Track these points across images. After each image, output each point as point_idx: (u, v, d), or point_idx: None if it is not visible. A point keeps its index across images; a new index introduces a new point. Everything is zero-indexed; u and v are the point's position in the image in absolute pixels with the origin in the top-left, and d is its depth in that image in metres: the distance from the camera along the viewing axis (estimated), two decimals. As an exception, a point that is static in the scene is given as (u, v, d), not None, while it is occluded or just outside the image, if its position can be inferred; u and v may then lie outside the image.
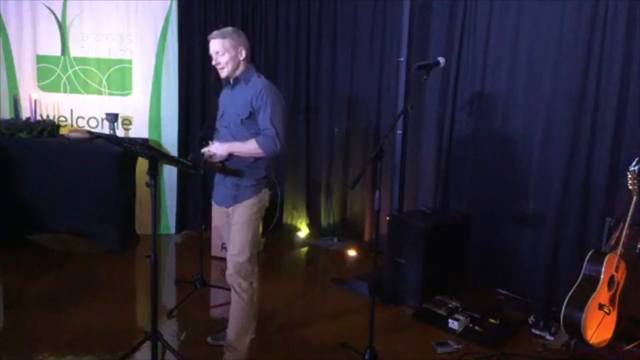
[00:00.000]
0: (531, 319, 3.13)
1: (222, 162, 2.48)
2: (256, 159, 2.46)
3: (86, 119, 4.63)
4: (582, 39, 3.20)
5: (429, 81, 2.83)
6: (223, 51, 2.43)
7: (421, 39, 4.07)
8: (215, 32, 2.47)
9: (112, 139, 3.84)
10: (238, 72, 2.49)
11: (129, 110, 4.65)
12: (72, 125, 4.60)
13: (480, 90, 3.75)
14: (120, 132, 4.61)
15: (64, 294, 3.40)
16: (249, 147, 2.42)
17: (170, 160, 3.30)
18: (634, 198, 2.76)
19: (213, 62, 2.48)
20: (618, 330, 2.88)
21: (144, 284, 3.72)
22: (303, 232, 5.00)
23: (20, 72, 4.50)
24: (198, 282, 3.50)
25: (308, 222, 5.02)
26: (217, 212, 2.68)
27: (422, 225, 3.44)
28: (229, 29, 2.50)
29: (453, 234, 3.69)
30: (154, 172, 2.30)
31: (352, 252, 4.54)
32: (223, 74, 2.48)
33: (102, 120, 4.57)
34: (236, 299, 2.54)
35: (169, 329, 2.97)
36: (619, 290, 2.89)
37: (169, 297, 3.51)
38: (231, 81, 2.53)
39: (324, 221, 4.97)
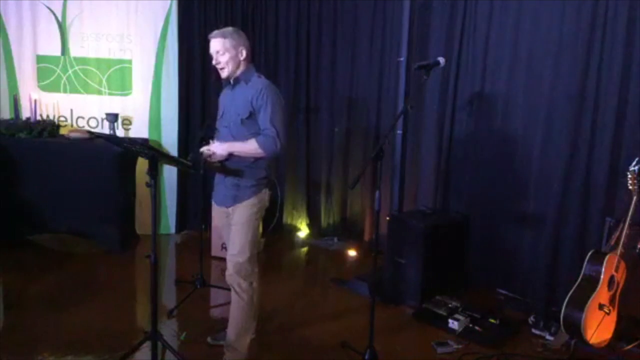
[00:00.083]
0: (531, 319, 3.13)
1: (221, 162, 2.48)
2: (256, 159, 2.46)
3: (86, 119, 4.63)
4: (582, 39, 3.20)
5: (429, 81, 2.83)
6: (223, 51, 2.43)
7: (421, 39, 4.07)
8: (215, 32, 2.47)
9: (112, 139, 3.84)
10: (238, 72, 2.49)
11: (129, 110, 4.65)
12: (72, 125, 4.60)
13: (480, 90, 3.75)
14: (120, 132, 4.61)
15: (64, 294, 3.40)
16: (249, 147, 2.42)
17: (170, 160, 3.30)
18: (634, 198, 2.76)
19: (213, 62, 2.48)
20: (618, 330, 2.88)
21: (144, 284, 3.72)
22: (303, 232, 5.00)
23: (20, 72, 4.50)
24: (198, 282, 3.50)
25: (308, 222, 5.03)
26: (217, 212, 2.68)
27: (422, 225, 3.44)
28: (230, 28, 2.50)
29: (453, 234, 3.69)
30: (154, 172, 2.30)
31: (352, 252, 4.54)
32: (223, 73, 2.48)
33: (102, 120, 4.58)
34: (236, 299, 2.53)
35: (169, 329, 2.97)
36: (619, 290, 2.89)
37: (169, 297, 3.51)
38: (231, 81, 2.52)
39: (324, 221, 4.97)
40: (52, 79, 4.56)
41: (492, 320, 3.12)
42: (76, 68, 4.57)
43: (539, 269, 3.45)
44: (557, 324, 2.88)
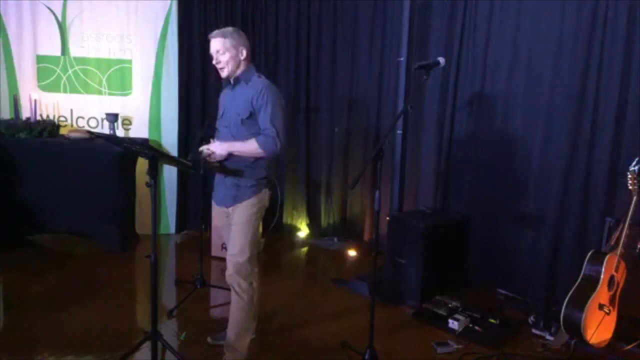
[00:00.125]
0: (531, 319, 3.13)
1: (220, 161, 2.48)
2: (256, 159, 2.46)
3: (86, 119, 4.64)
4: (582, 39, 3.20)
5: (429, 81, 2.83)
6: (224, 50, 2.43)
7: (421, 39, 4.07)
8: (216, 32, 2.47)
9: (112, 139, 3.83)
10: (239, 72, 2.49)
11: (129, 110, 4.65)
12: (72, 125, 4.60)
13: (480, 90, 3.75)
14: (120, 132, 4.61)
15: (64, 294, 3.40)
16: (249, 147, 2.42)
17: (170, 160, 3.30)
18: (634, 198, 2.76)
19: (213, 62, 2.48)
20: (618, 330, 2.88)
21: (144, 284, 3.72)
22: (303, 232, 5.00)
23: (20, 72, 4.50)
24: (198, 282, 3.50)
25: (308, 222, 5.03)
26: (217, 212, 2.68)
27: (422, 225, 3.43)
28: (230, 28, 2.50)
29: (453, 234, 3.69)
30: (154, 172, 2.30)
31: (352, 252, 4.54)
32: (223, 73, 2.48)
33: (102, 120, 4.58)
34: (236, 299, 2.53)
35: (169, 329, 2.97)
36: (619, 290, 2.89)
37: (169, 297, 3.51)
38: (231, 81, 2.52)
39: (324, 221, 4.97)
40: (52, 79, 4.56)
41: (492, 320, 3.12)
42: (76, 68, 4.57)
43: (539, 269, 3.45)
44: (557, 324, 2.88)
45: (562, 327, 2.82)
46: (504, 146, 3.65)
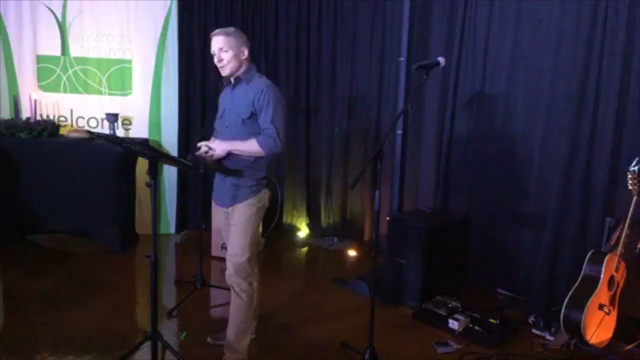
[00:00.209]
0: (531, 319, 3.13)
1: (217, 160, 2.47)
2: (256, 159, 2.45)
3: (86, 119, 4.64)
4: (582, 39, 3.20)
5: (429, 81, 2.83)
6: (227, 48, 2.42)
7: (421, 39, 4.07)
8: (218, 30, 2.47)
9: (112, 139, 3.84)
10: (240, 72, 2.49)
11: (129, 110, 4.66)
12: (72, 125, 4.60)
13: (480, 90, 3.75)
14: (120, 132, 4.62)
15: (64, 294, 3.40)
16: (250, 146, 2.41)
17: (170, 160, 3.29)
18: (634, 198, 2.76)
19: (215, 60, 2.46)
20: (618, 330, 2.88)
21: (144, 284, 3.72)
22: (303, 232, 5.00)
23: (20, 72, 4.51)
24: (198, 282, 3.50)
25: (308, 222, 5.03)
26: (217, 212, 2.68)
27: (422, 225, 3.43)
28: (231, 28, 2.50)
29: (453, 234, 3.69)
30: (154, 172, 2.30)
31: (352, 252, 4.54)
32: (225, 71, 2.48)
33: (102, 120, 4.58)
34: (236, 299, 2.53)
35: (169, 329, 2.97)
36: (619, 290, 2.90)
37: (169, 297, 3.50)
38: (232, 80, 2.52)
39: (324, 221, 4.98)
40: (52, 79, 4.56)
41: (492, 320, 3.12)
42: (76, 68, 4.57)
43: (539, 269, 3.45)
44: (557, 324, 2.88)
45: (562, 327, 2.82)
46: (504, 146, 3.65)
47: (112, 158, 4.13)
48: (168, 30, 4.58)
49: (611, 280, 2.83)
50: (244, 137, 2.44)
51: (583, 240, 3.24)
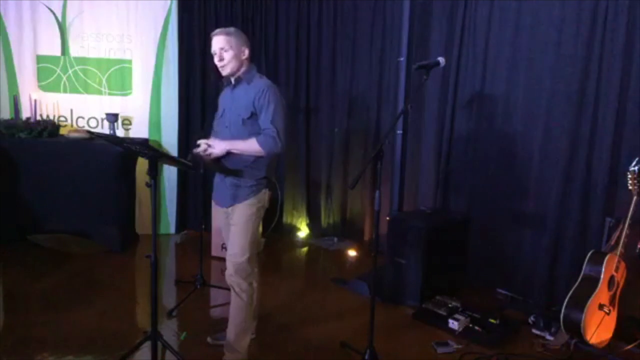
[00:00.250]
0: (531, 319, 3.13)
1: (216, 160, 2.47)
2: (256, 159, 2.45)
3: (86, 119, 4.64)
4: (582, 39, 3.20)
5: (429, 81, 2.83)
6: (228, 47, 2.42)
7: (421, 39, 4.07)
8: (219, 30, 2.47)
9: (112, 139, 3.84)
10: (240, 72, 2.49)
11: (129, 110, 4.66)
12: (72, 125, 4.60)
13: (480, 90, 3.75)
14: (120, 132, 4.62)
15: (64, 294, 3.40)
16: (249, 146, 2.41)
17: (170, 160, 3.29)
18: (634, 198, 2.76)
19: (216, 59, 2.46)
20: (618, 330, 2.88)
21: (144, 284, 3.72)
22: (303, 232, 5.00)
23: (20, 72, 4.51)
24: (198, 282, 3.50)
25: (308, 222, 5.03)
26: (217, 212, 2.68)
27: (422, 225, 3.43)
28: (232, 28, 2.50)
29: (453, 234, 3.69)
30: (154, 172, 2.30)
31: (352, 252, 4.54)
32: (225, 71, 2.47)
33: (102, 120, 4.58)
34: (236, 299, 2.53)
35: (169, 329, 2.97)
36: (619, 290, 2.90)
37: (169, 297, 3.50)
38: (232, 80, 2.52)
39: (324, 221, 4.98)
40: (52, 79, 4.56)
41: (492, 320, 3.12)
42: (76, 68, 4.57)
43: (539, 269, 3.46)
44: (557, 324, 2.88)
45: (562, 327, 2.82)
46: (504, 146, 3.65)
47: (112, 158, 4.14)
48: (168, 30, 4.58)
49: (611, 280, 2.83)
50: (244, 137, 2.44)
51: (583, 240, 3.25)
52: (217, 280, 3.58)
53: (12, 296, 3.37)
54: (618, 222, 2.91)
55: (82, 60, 4.56)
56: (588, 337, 2.73)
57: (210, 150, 2.45)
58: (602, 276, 2.76)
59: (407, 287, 3.46)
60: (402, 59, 4.03)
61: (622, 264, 2.87)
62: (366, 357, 2.56)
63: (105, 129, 4.52)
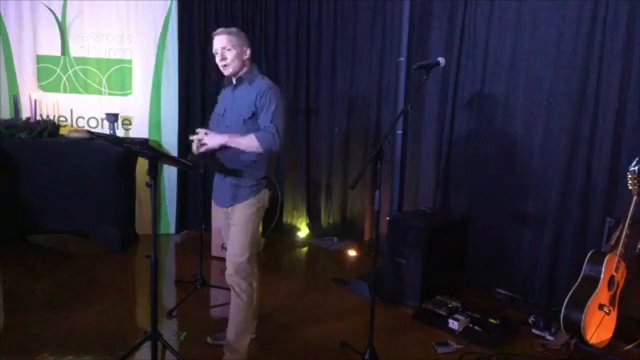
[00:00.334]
0: (531, 319, 3.13)
1: (212, 154, 2.46)
2: (256, 160, 2.45)
3: (86, 119, 4.64)
4: (582, 39, 3.20)
5: (429, 81, 2.83)
6: (230, 47, 2.42)
7: (421, 39, 4.07)
8: (220, 29, 2.47)
9: (112, 139, 3.84)
10: (242, 72, 2.49)
11: (129, 110, 4.66)
12: (72, 125, 4.60)
13: (480, 90, 3.75)
14: (120, 132, 4.62)
15: (64, 294, 3.40)
16: (248, 141, 2.39)
17: (170, 160, 3.29)
18: (634, 198, 2.76)
19: (218, 59, 2.46)
20: (618, 330, 2.88)
21: (144, 284, 3.72)
22: (303, 232, 5.00)
23: (20, 72, 4.51)
24: (198, 282, 3.50)
25: (308, 222, 5.03)
26: (217, 212, 2.68)
27: (422, 225, 3.43)
28: (233, 28, 2.50)
29: (453, 234, 3.69)
30: (154, 172, 2.30)
31: (352, 252, 4.54)
32: (227, 70, 2.47)
33: (102, 120, 4.58)
34: (236, 299, 2.53)
35: (169, 329, 2.97)
36: (619, 290, 2.90)
37: (169, 297, 3.50)
38: (234, 80, 2.52)
39: (324, 221, 4.98)
40: (52, 79, 4.56)
41: (492, 320, 3.12)
42: (76, 68, 4.57)
43: (539, 269, 3.46)
44: (557, 324, 2.88)
45: (562, 327, 2.82)
46: (504, 146, 3.65)
47: (112, 158, 4.13)
48: (168, 30, 4.58)
49: (611, 280, 2.83)
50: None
51: (583, 240, 3.25)
52: (217, 280, 3.58)
53: (12, 296, 3.37)
54: (618, 222, 2.91)
55: (82, 60, 4.56)
56: (588, 337, 2.73)
57: (205, 140, 2.44)
58: (602, 276, 2.76)
59: (407, 287, 3.46)
60: (402, 59, 4.03)
61: (622, 264, 2.87)
62: (366, 357, 2.56)
63: (105, 129, 4.52)
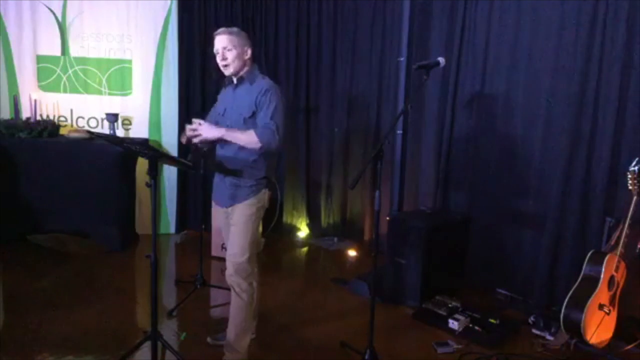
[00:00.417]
0: (531, 319, 3.13)
1: (212, 149, 2.45)
2: (256, 159, 2.45)
3: (86, 119, 4.64)
4: (582, 39, 3.20)
5: (429, 81, 2.83)
6: (231, 47, 2.42)
7: (421, 39, 4.07)
8: (222, 29, 2.47)
9: (112, 139, 3.84)
10: (243, 71, 2.49)
11: (129, 110, 4.66)
12: (72, 125, 4.60)
13: (480, 90, 3.75)
14: (120, 132, 4.62)
15: (64, 293, 3.40)
16: (247, 137, 2.39)
17: (170, 160, 3.29)
18: (634, 198, 2.76)
19: (218, 58, 2.46)
20: (618, 330, 2.88)
21: (144, 284, 3.72)
22: (303, 232, 5.00)
23: (20, 72, 4.51)
24: (198, 282, 3.50)
25: (308, 222, 5.03)
26: (217, 212, 2.68)
27: (422, 225, 3.43)
28: (234, 28, 2.50)
29: (453, 234, 3.69)
30: (154, 172, 2.30)
31: (352, 252, 4.54)
32: (228, 70, 2.47)
33: (102, 120, 4.58)
34: (236, 299, 2.53)
35: (169, 329, 2.97)
36: (619, 290, 2.89)
37: (169, 297, 3.50)
38: (235, 80, 2.52)
39: (324, 221, 4.98)
40: (52, 79, 4.56)
41: (492, 320, 3.12)
42: (76, 68, 4.57)
43: (539, 269, 3.45)
44: (557, 324, 2.88)
45: (562, 327, 2.82)
46: (504, 146, 3.65)
47: (112, 158, 4.14)
48: (168, 30, 4.58)
49: (611, 280, 2.83)
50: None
51: (583, 240, 3.24)
52: (217, 280, 3.58)
53: (13, 296, 3.37)
54: (618, 222, 2.90)
55: (82, 60, 4.56)
56: (588, 337, 2.73)
57: (200, 131, 2.43)
58: (602, 276, 2.76)
59: (407, 287, 3.46)
60: (402, 59, 4.03)
61: (622, 264, 2.87)
62: (366, 357, 2.56)
63: (105, 129, 4.52)
